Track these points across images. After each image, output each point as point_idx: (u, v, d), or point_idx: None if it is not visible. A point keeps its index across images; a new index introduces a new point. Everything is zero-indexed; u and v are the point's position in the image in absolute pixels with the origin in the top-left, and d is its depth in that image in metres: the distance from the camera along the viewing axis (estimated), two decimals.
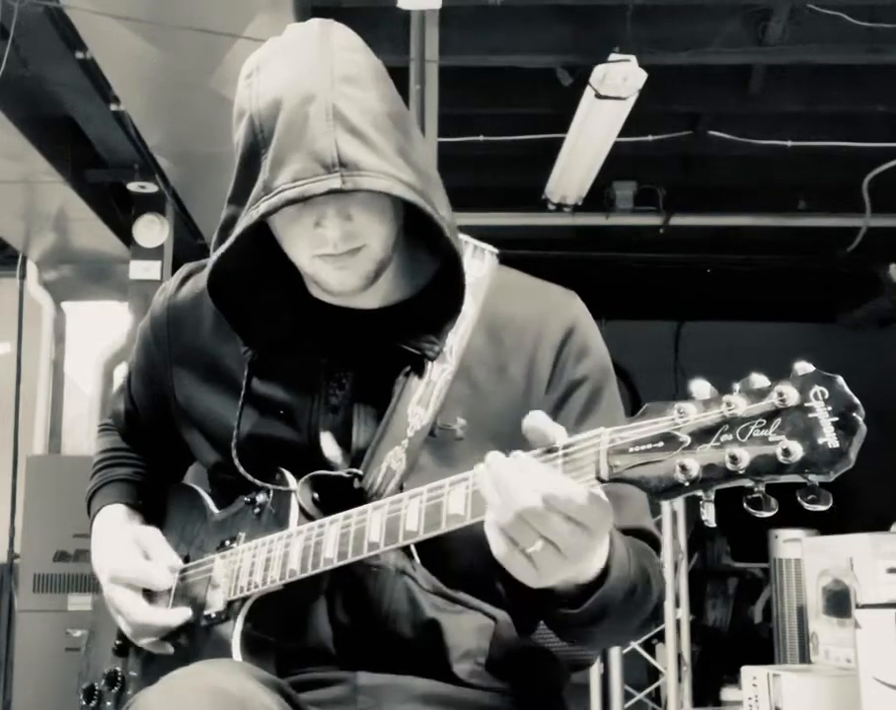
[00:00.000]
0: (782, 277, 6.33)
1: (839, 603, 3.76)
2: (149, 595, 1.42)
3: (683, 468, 0.97)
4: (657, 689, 5.24)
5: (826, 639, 3.87)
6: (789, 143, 4.75)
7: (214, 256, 1.30)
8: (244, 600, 1.32)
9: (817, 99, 4.59)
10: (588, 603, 1.17)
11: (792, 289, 6.52)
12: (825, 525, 3.90)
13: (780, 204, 5.45)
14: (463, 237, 1.40)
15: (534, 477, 1.05)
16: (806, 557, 4.14)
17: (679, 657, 4.89)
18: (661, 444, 1.00)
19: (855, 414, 0.92)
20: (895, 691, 3.09)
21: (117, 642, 1.49)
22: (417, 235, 1.36)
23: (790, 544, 4.79)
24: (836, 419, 0.92)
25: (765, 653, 4.96)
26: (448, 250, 1.31)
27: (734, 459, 0.95)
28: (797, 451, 0.92)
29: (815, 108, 4.69)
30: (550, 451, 1.08)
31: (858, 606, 3.41)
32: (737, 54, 4.06)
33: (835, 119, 4.79)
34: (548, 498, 1.04)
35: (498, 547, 1.08)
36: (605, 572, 1.17)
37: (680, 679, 4.89)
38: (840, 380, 0.94)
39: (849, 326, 6.79)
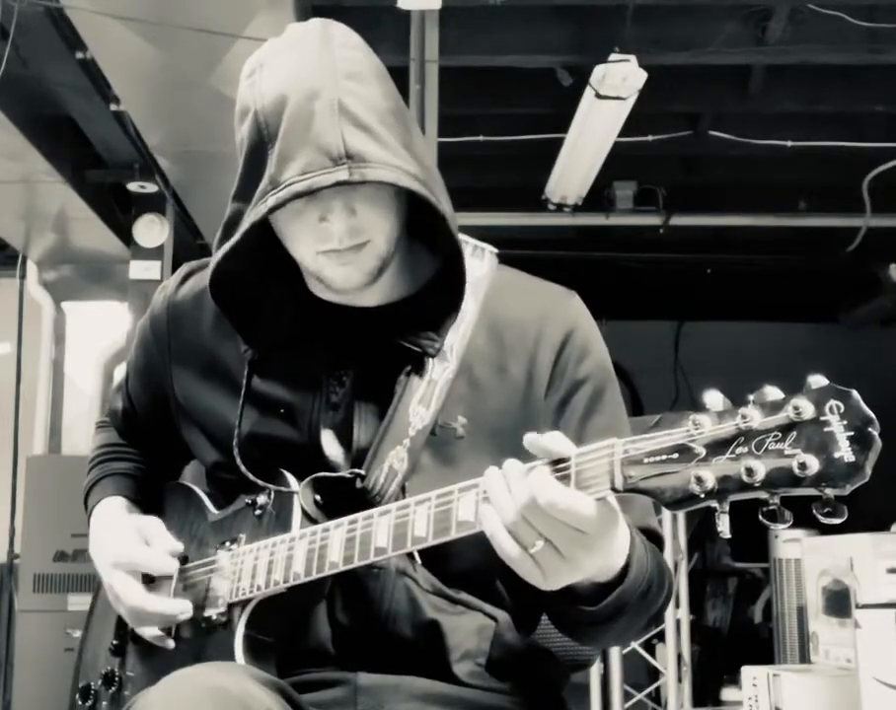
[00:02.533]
0: (782, 277, 6.33)
1: (839, 602, 3.76)
2: (150, 585, 1.42)
3: (698, 480, 0.98)
4: (657, 689, 5.23)
5: (826, 639, 3.87)
6: (789, 143, 4.74)
7: (219, 253, 1.30)
8: (245, 602, 1.31)
9: (817, 99, 4.59)
10: (607, 600, 1.18)
11: (793, 289, 6.52)
12: (825, 525, 3.89)
13: (780, 204, 5.44)
14: (462, 236, 1.40)
15: (540, 481, 1.06)
16: (806, 557, 4.14)
17: (679, 657, 4.88)
18: (676, 455, 1.00)
19: (870, 429, 0.93)
20: (895, 691, 3.09)
21: (114, 642, 1.49)
22: (418, 233, 1.37)
23: (790, 544, 4.78)
24: (851, 433, 0.93)
25: (765, 653, 4.95)
26: (450, 245, 1.31)
27: (750, 471, 0.95)
28: (813, 465, 0.93)
29: (815, 108, 4.69)
30: (563, 460, 1.08)
31: (858, 606, 3.40)
32: (737, 54, 4.06)
33: (835, 119, 4.79)
34: (549, 504, 1.04)
35: (504, 548, 1.08)
36: (625, 570, 1.18)
37: (680, 679, 4.88)
38: (855, 394, 0.95)
39: (849, 326, 6.79)
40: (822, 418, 0.94)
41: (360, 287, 1.32)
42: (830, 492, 0.94)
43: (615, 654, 4.73)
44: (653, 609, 1.30)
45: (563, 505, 1.04)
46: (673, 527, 4.87)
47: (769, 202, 5.45)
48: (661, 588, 1.29)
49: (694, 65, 4.15)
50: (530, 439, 1.09)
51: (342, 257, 1.28)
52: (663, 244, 5.71)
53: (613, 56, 3.74)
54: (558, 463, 1.08)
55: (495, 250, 1.45)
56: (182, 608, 1.37)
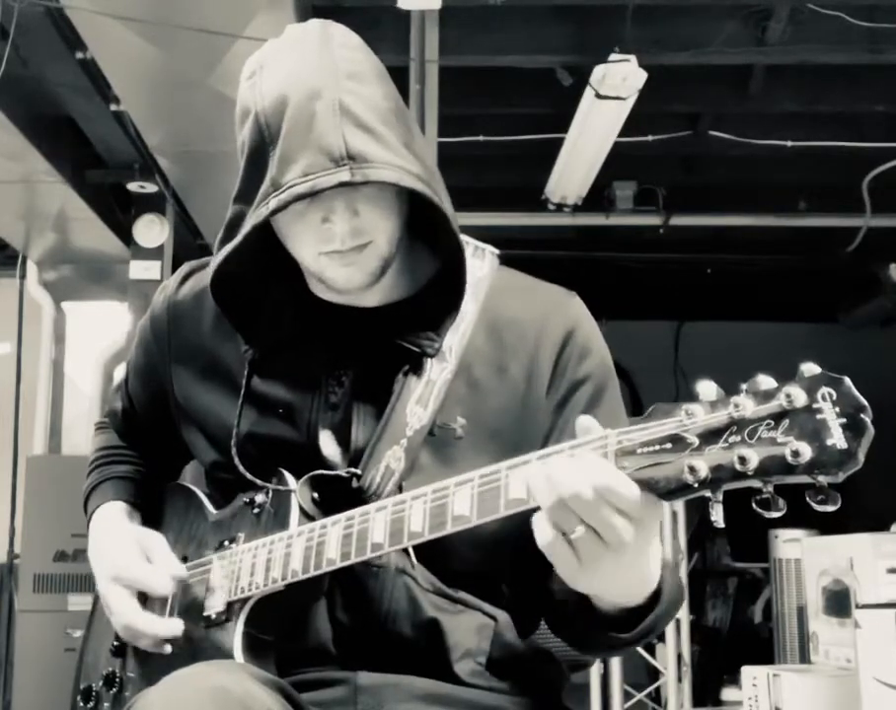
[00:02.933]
0: (782, 277, 6.33)
1: (839, 602, 3.76)
2: (144, 597, 1.42)
3: (692, 469, 0.98)
4: (657, 689, 5.23)
5: (826, 639, 3.87)
6: (789, 143, 4.74)
7: (221, 254, 1.30)
8: (244, 600, 1.31)
9: (817, 99, 4.59)
10: (641, 626, 1.18)
11: (793, 289, 6.52)
12: (825, 525, 3.90)
13: (780, 204, 5.44)
14: (463, 237, 1.40)
15: (590, 467, 1.03)
16: (806, 557, 4.14)
17: (679, 657, 4.89)
18: (669, 445, 1.00)
19: (863, 415, 0.93)
20: (895, 691, 3.09)
21: (115, 643, 1.49)
22: (419, 234, 1.37)
23: (790, 544, 4.79)
24: (844, 420, 0.93)
25: (765, 653, 4.96)
26: (452, 244, 1.31)
27: (743, 460, 0.95)
28: (806, 452, 0.93)
29: (815, 108, 4.69)
30: (556, 453, 1.07)
31: (858, 606, 3.41)
32: (737, 54, 4.06)
33: (835, 119, 4.79)
34: (602, 489, 1.01)
35: (543, 535, 1.05)
36: (657, 594, 1.17)
37: (680, 679, 4.88)
38: (847, 381, 0.95)
39: (849, 326, 6.79)
40: (814, 406, 0.95)
41: (363, 287, 1.32)
42: (823, 479, 0.94)
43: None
44: (669, 622, 1.31)
45: (618, 489, 1.01)
46: (673, 527, 4.87)
47: (769, 202, 5.45)
48: (680, 599, 1.29)
49: (694, 65, 4.16)
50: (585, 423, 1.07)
51: (345, 258, 1.28)
52: (663, 244, 5.71)
53: (613, 56, 3.74)
54: (553, 456, 1.07)
55: (496, 251, 1.45)
56: (173, 630, 1.37)
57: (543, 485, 1.05)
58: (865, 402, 0.94)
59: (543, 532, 1.06)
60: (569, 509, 1.03)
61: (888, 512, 4.18)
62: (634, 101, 3.90)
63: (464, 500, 1.14)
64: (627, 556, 1.07)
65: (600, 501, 1.02)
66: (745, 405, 0.97)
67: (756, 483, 0.97)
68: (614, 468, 1.03)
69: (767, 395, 0.97)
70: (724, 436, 0.98)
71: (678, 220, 5.39)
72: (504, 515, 1.11)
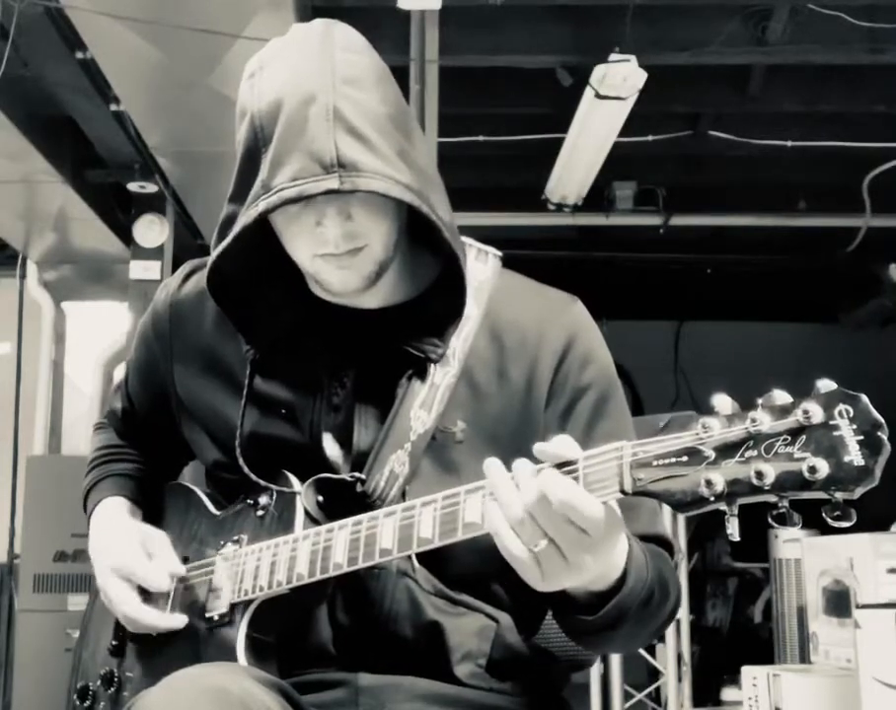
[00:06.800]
0: (782, 277, 6.32)
1: (839, 602, 3.76)
2: (146, 593, 1.42)
3: (708, 483, 0.98)
4: (657, 689, 5.22)
5: (826, 639, 3.87)
6: (789, 143, 4.74)
7: (214, 255, 1.30)
8: (248, 603, 1.31)
9: (817, 99, 4.59)
10: (604, 609, 1.18)
11: (793, 289, 6.52)
12: (825, 525, 3.89)
13: (780, 204, 5.44)
14: (467, 240, 1.40)
15: (552, 479, 1.06)
16: (806, 557, 4.14)
17: (679, 657, 4.87)
18: (685, 458, 1.01)
19: (879, 433, 0.94)
20: (895, 691, 3.09)
21: (113, 642, 1.49)
22: (420, 236, 1.36)
23: (790, 544, 4.78)
24: (861, 437, 0.94)
25: (765, 653, 4.95)
26: (447, 251, 1.30)
27: (760, 474, 0.96)
28: (823, 468, 0.94)
29: (815, 108, 4.68)
30: (570, 463, 1.07)
31: (858, 606, 3.40)
32: (737, 54, 4.06)
33: (835, 119, 4.79)
34: (561, 503, 1.04)
35: (508, 546, 1.08)
36: (622, 579, 1.17)
37: (680, 679, 4.87)
38: (864, 398, 0.96)
39: (850, 326, 6.79)
40: (831, 422, 0.95)
41: (358, 291, 1.32)
42: (839, 495, 0.94)
43: (615, 654, 4.72)
44: (659, 618, 1.30)
45: (575, 501, 1.04)
46: (673, 527, 4.87)
47: (769, 202, 5.45)
48: (665, 596, 1.28)
49: (694, 65, 4.15)
50: (540, 448, 1.09)
51: (340, 261, 1.28)
52: (663, 244, 5.71)
53: (613, 56, 3.74)
54: (564, 466, 1.07)
55: (500, 254, 1.44)
56: (173, 623, 1.37)
57: (510, 497, 1.07)
58: (882, 420, 0.94)
59: (505, 543, 1.08)
60: (533, 519, 1.06)
61: (888, 512, 4.18)
62: (633, 101, 3.90)
63: (475, 507, 1.14)
64: (585, 573, 1.09)
65: (563, 517, 1.04)
66: (762, 420, 0.98)
67: (772, 498, 0.97)
68: (580, 488, 1.05)
69: (783, 411, 0.97)
70: (741, 450, 0.98)
71: (678, 220, 5.39)
72: None
